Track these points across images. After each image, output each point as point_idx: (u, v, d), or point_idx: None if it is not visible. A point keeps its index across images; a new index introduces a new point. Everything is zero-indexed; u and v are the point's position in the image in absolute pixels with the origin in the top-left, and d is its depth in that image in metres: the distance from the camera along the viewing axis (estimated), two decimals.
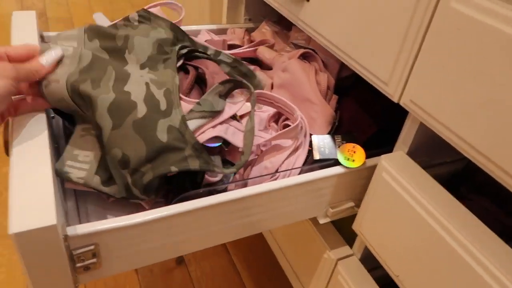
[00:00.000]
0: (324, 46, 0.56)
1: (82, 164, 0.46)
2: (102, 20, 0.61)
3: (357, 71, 0.51)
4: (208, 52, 0.59)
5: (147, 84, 0.46)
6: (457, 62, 0.38)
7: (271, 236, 0.84)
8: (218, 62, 0.57)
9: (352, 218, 0.62)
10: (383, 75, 0.47)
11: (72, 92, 0.44)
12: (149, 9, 0.63)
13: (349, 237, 0.66)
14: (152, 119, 0.43)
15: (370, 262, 0.62)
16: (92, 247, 0.41)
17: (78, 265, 0.41)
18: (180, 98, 0.48)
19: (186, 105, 0.48)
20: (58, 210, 0.37)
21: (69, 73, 0.44)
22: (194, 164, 0.43)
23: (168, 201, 0.48)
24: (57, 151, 0.51)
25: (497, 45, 0.35)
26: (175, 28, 0.56)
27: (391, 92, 0.46)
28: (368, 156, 0.53)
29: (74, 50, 0.46)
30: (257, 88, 0.57)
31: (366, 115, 0.57)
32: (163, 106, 0.45)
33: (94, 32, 0.51)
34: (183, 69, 0.55)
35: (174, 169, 0.42)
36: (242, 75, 0.58)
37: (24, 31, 0.62)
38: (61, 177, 0.45)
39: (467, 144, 0.39)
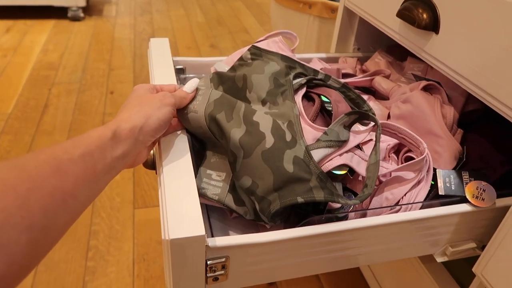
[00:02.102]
0: (451, 78, 0.55)
1: (216, 182, 0.50)
2: (221, 67, 0.67)
3: (491, 104, 0.49)
4: (319, 76, 0.60)
5: (272, 117, 0.49)
6: None
7: (368, 269, 0.82)
8: (327, 87, 0.58)
9: (460, 262, 0.58)
10: None
11: (209, 122, 0.49)
12: (259, 43, 0.67)
13: (456, 280, 0.62)
14: (279, 150, 0.45)
15: None
16: (223, 259, 0.44)
17: (209, 275, 0.44)
18: (308, 124, 0.50)
19: (313, 131, 0.50)
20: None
21: (205, 105, 0.50)
22: (319, 195, 0.44)
23: (288, 224, 0.50)
24: None
25: None
26: (285, 58, 0.59)
27: None
28: (498, 196, 0.50)
29: (206, 89, 0.53)
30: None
31: (496, 152, 0.54)
32: (288, 137, 0.47)
33: (218, 78, 0.59)
34: (306, 97, 0.57)
35: (300, 200, 0.44)
36: (351, 100, 0.58)
37: (161, 55, 0.70)
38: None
39: None
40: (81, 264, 0.95)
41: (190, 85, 0.52)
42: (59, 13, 2.30)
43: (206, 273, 0.44)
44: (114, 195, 1.15)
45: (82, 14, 2.29)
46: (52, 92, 1.62)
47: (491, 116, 0.59)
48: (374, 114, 0.53)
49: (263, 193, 0.45)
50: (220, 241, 0.42)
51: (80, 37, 2.11)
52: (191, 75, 0.79)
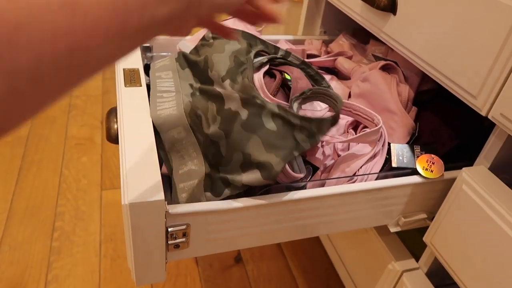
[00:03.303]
0: (408, 58, 0.57)
1: (189, 191, 0.49)
2: (185, 46, 0.67)
3: (443, 84, 0.52)
4: (279, 53, 0.62)
5: (238, 94, 0.50)
6: None
7: (329, 243, 0.85)
8: (287, 64, 0.60)
9: (414, 232, 0.62)
10: (472, 88, 0.47)
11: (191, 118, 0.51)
12: (222, 22, 0.68)
13: (411, 252, 0.66)
14: (255, 115, 0.46)
15: (436, 278, 0.62)
16: (184, 226, 0.45)
17: (170, 242, 0.45)
18: (268, 98, 0.51)
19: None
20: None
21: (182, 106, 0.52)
22: (307, 145, 0.45)
23: (249, 192, 0.52)
24: None
25: None
26: (247, 35, 0.60)
27: (480, 105, 0.47)
28: (446, 168, 0.53)
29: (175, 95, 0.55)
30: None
31: (447, 128, 0.57)
32: (259, 102, 0.48)
33: (184, 60, 0.61)
34: (269, 74, 0.59)
35: (296, 153, 0.45)
36: (310, 77, 0.60)
37: None
38: None
39: None
40: (45, 244, 0.94)
41: None
42: None
43: (167, 240, 0.45)
44: (81, 177, 1.13)
45: None
46: None
47: (443, 96, 0.62)
48: (331, 89, 0.55)
49: (258, 159, 0.44)
50: (180, 207, 0.44)
51: None
52: (157, 54, 0.79)
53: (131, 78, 0.57)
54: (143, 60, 0.75)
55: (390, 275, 0.65)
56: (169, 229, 0.44)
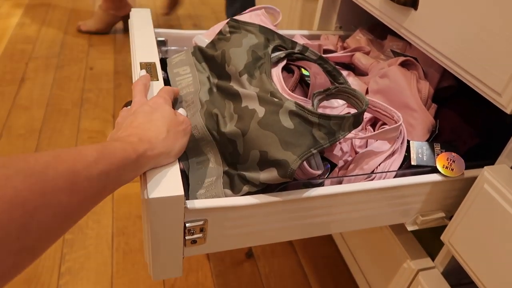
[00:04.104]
0: (429, 54, 0.56)
1: (209, 186, 0.49)
2: (201, 40, 0.67)
3: (466, 80, 0.51)
4: (296, 48, 0.61)
5: (255, 92, 0.49)
6: None
7: (342, 240, 0.85)
8: (305, 59, 0.59)
9: (427, 231, 0.61)
10: (497, 85, 0.46)
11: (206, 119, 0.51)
12: (239, 17, 0.67)
13: (427, 252, 0.65)
14: (272, 113, 0.45)
15: (452, 278, 0.61)
16: (202, 222, 0.45)
17: (187, 237, 0.45)
18: (287, 94, 0.51)
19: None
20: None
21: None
22: (325, 142, 0.45)
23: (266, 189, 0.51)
24: None
25: None
26: (264, 30, 0.59)
27: (505, 103, 0.46)
28: (466, 167, 0.53)
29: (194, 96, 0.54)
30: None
31: (467, 125, 0.56)
32: (276, 101, 0.47)
33: (200, 54, 0.60)
34: (286, 69, 0.58)
35: (314, 151, 0.44)
36: (327, 72, 0.59)
37: (142, 26, 0.70)
38: None
39: None
40: None
41: (183, 112, 0.52)
42: None
43: (184, 236, 0.45)
44: None
45: None
46: (29, 67, 1.57)
47: (463, 93, 0.61)
48: (349, 86, 0.54)
49: (275, 156, 0.43)
50: (198, 203, 0.43)
51: (59, 11, 2.05)
52: (172, 48, 0.78)
53: (147, 72, 0.57)
54: (159, 55, 0.75)
55: (405, 274, 0.64)
56: (187, 225, 0.44)
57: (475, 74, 0.49)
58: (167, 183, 0.40)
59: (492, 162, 0.52)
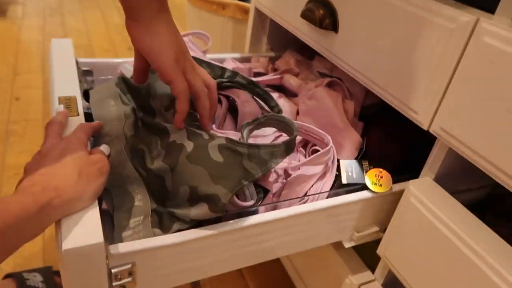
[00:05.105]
0: (351, 75, 0.58)
1: (136, 227, 0.45)
2: (126, 68, 0.65)
3: (386, 99, 0.53)
4: (226, 74, 0.61)
5: (185, 127, 0.48)
6: (489, 92, 0.40)
7: (288, 260, 0.84)
8: (235, 84, 0.59)
9: (370, 245, 0.62)
10: (413, 104, 0.49)
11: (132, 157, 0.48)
12: None
13: (368, 264, 0.66)
14: (201, 147, 0.44)
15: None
16: (129, 265, 0.42)
17: (115, 283, 0.42)
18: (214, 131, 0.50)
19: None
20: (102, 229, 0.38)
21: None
22: (257, 172, 0.44)
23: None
24: None
25: None
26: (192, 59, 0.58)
27: (421, 120, 0.48)
28: (394, 181, 0.54)
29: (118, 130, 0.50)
30: (274, 109, 0.59)
31: (392, 141, 0.58)
32: (205, 136, 0.46)
33: (124, 85, 0.56)
34: None
35: (245, 182, 0.43)
36: (258, 96, 0.60)
37: (63, 57, 0.66)
38: None
39: (499, 170, 0.41)
40: None
41: (106, 149, 0.48)
42: None
43: (111, 282, 0.42)
44: None
45: None
46: None
47: (388, 109, 0.64)
48: (280, 110, 0.54)
49: (205, 191, 0.42)
50: (123, 247, 0.40)
51: None
52: (100, 78, 0.75)
53: (67, 107, 0.53)
54: (82, 86, 0.71)
55: None
56: (113, 270, 0.41)
57: (393, 93, 0.51)
58: (84, 229, 0.37)
59: (417, 175, 0.54)
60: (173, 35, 0.45)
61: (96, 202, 0.41)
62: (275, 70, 0.79)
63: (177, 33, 0.46)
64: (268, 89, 0.70)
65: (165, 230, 0.44)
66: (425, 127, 0.48)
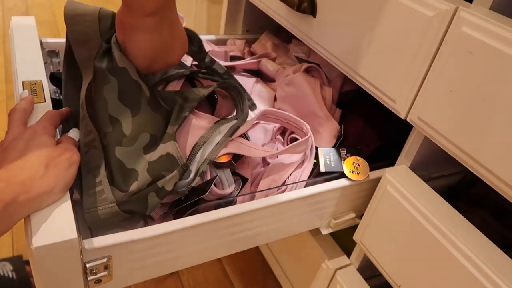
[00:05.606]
0: (329, 60, 0.57)
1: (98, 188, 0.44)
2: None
3: (364, 87, 0.53)
4: (206, 59, 0.58)
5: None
6: (466, 82, 0.40)
7: (265, 245, 0.85)
8: (212, 71, 0.57)
9: (347, 230, 0.63)
10: (391, 92, 0.48)
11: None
12: None
13: (344, 248, 0.67)
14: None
15: (367, 271, 0.64)
16: (105, 259, 0.41)
17: (90, 278, 0.41)
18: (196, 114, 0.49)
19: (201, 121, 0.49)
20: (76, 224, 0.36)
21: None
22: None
23: (173, 212, 0.48)
24: None
25: (506, 69, 0.37)
26: None
27: (399, 109, 0.48)
28: (371, 169, 0.55)
29: None
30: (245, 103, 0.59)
31: (370, 129, 0.59)
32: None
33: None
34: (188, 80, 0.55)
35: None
36: (232, 88, 0.58)
37: (26, 37, 0.62)
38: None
39: (471, 159, 0.41)
40: None
41: (75, 134, 0.46)
42: None
43: (86, 277, 0.40)
44: None
45: None
46: None
47: (365, 95, 0.64)
48: (254, 104, 0.54)
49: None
50: (98, 241, 0.39)
51: None
52: None
53: (32, 92, 0.50)
54: (48, 68, 0.67)
55: (324, 274, 0.66)
56: (88, 265, 0.39)
57: (371, 81, 0.51)
58: (56, 224, 0.35)
59: (393, 162, 0.55)
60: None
61: (68, 194, 0.39)
62: (251, 54, 0.77)
63: None
64: (245, 74, 0.69)
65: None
66: (402, 116, 0.48)
